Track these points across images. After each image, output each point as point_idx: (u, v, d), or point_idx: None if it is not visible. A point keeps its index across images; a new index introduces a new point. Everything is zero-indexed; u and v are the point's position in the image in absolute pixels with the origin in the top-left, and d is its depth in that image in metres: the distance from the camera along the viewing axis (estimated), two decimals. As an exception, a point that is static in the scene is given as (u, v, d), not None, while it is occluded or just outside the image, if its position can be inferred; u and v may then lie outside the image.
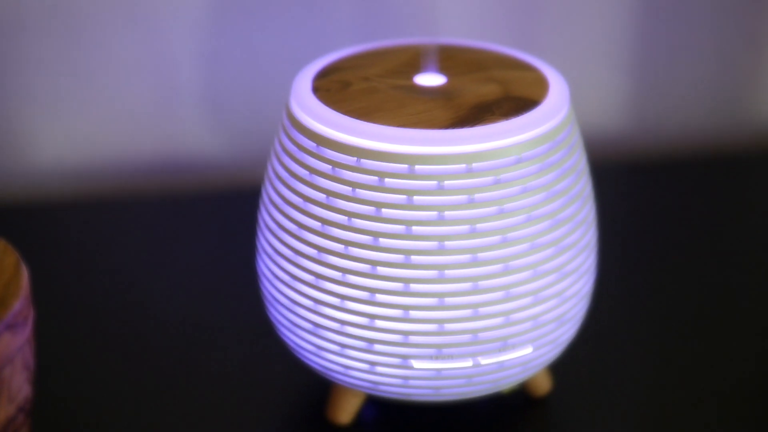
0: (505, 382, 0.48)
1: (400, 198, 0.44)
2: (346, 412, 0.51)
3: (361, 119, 0.44)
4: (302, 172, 0.46)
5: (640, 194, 0.75)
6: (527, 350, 0.47)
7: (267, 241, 0.49)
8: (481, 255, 0.44)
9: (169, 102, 0.75)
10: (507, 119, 0.44)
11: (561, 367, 0.53)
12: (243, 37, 0.73)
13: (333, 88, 0.47)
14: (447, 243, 0.44)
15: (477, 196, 0.44)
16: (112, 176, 0.76)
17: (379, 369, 0.47)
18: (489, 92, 0.46)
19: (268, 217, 0.49)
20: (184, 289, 0.63)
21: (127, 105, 0.74)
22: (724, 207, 0.73)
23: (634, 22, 0.77)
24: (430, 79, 0.48)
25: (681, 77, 0.80)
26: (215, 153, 0.77)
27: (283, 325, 0.49)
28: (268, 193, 0.49)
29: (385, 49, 0.51)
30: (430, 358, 0.46)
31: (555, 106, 0.46)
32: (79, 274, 0.65)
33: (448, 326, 0.45)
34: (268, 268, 0.49)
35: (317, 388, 0.53)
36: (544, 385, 0.53)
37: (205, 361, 0.57)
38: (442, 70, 0.48)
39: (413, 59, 0.49)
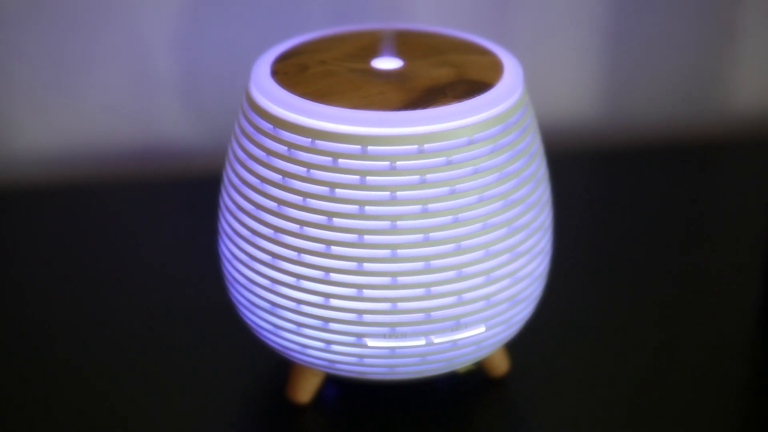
0: (460, 361, 0.49)
1: (354, 178, 0.44)
2: (305, 391, 0.52)
3: (316, 101, 0.45)
4: (259, 154, 0.47)
5: (612, 181, 0.76)
6: (480, 329, 0.48)
7: (227, 222, 0.50)
8: (433, 235, 0.45)
9: (145, 89, 0.75)
10: (459, 101, 0.45)
11: (519, 348, 0.54)
12: (219, 24, 0.74)
13: (291, 71, 0.48)
14: (399, 223, 0.45)
15: (429, 176, 0.44)
16: (89, 162, 0.76)
17: (335, 347, 0.47)
18: (443, 75, 0.47)
19: (227, 198, 0.49)
20: (156, 272, 0.64)
21: (103, 92, 0.75)
22: (694, 195, 0.73)
23: (608, 10, 0.78)
24: (386, 63, 0.48)
25: (655, 66, 0.81)
26: (191, 139, 0.77)
27: (243, 305, 0.50)
28: (228, 174, 0.49)
29: (344, 34, 0.52)
30: (384, 336, 0.47)
31: (508, 89, 0.47)
32: (53, 258, 0.66)
33: (401, 305, 0.46)
34: (228, 248, 0.50)
35: (278, 369, 0.54)
36: (501, 366, 0.54)
37: (170, 342, 0.57)
38: (399, 54, 0.49)
39: (371, 44, 0.50)
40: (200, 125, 0.77)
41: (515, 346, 0.54)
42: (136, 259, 0.66)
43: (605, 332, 0.58)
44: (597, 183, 0.77)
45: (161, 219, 0.71)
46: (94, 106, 0.75)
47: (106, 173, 0.77)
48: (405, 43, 0.50)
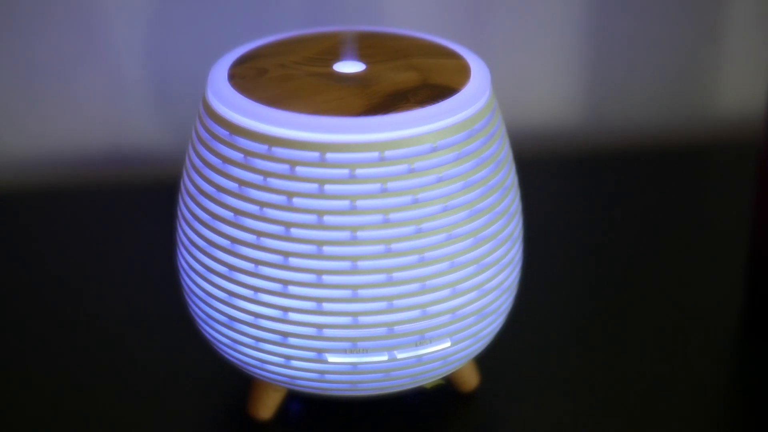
0: (425, 376, 0.47)
1: (311, 187, 0.43)
2: (266, 407, 0.50)
3: (273, 107, 0.43)
4: (215, 161, 0.45)
5: (590, 188, 0.74)
6: (446, 344, 0.46)
7: (183, 232, 0.48)
8: (395, 246, 0.43)
9: (114, 92, 0.74)
10: (422, 107, 0.43)
11: (489, 362, 0.52)
12: (188, 25, 0.72)
13: (248, 75, 0.46)
14: (360, 233, 0.43)
15: (390, 185, 0.43)
16: (57, 167, 0.75)
17: (295, 363, 0.46)
18: (406, 80, 0.45)
19: (184, 207, 0.48)
20: (120, 281, 0.62)
21: (71, 96, 0.73)
22: (676, 201, 0.71)
23: (587, 11, 0.76)
24: (348, 67, 0.47)
25: (636, 68, 0.79)
26: (162, 144, 0.75)
27: (200, 318, 0.48)
28: (185, 183, 0.47)
29: (307, 36, 0.50)
30: (345, 351, 0.45)
31: (474, 94, 0.45)
32: (14, 264, 0.64)
33: (363, 319, 0.44)
34: (185, 260, 0.48)
35: (239, 384, 0.52)
36: (471, 381, 0.52)
37: (129, 354, 0.56)
38: (362, 57, 0.47)
39: (334, 47, 0.48)
40: (170, 130, 0.75)
41: (485, 360, 0.52)
42: (100, 267, 0.64)
43: (578, 345, 0.56)
44: (574, 190, 0.75)
45: (129, 226, 0.69)
46: (61, 110, 0.74)
47: (74, 178, 0.75)
48: (369, 45, 0.48)
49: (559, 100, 0.79)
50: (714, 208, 0.71)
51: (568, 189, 0.75)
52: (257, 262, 0.44)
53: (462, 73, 0.46)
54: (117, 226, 0.69)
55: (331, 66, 0.47)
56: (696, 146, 0.80)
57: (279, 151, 0.43)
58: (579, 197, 0.74)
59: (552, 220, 0.68)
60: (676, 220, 0.69)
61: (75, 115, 0.74)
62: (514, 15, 0.76)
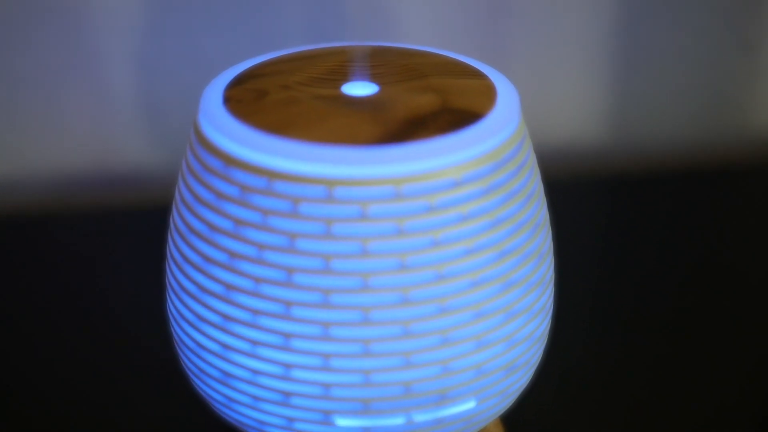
0: (446, 439, 0.42)
1: (317, 227, 0.38)
2: (266, 470, 0.45)
3: (273, 135, 0.38)
4: (208, 197, 0.40)
5: (622, 219, 0.69)
6: (470, 404, 0.41)
7: (173, 275, 0.43)
8: (413, 294, 0.38)
9: (103, 109, 0.70)
10: (443, 135, 0.38)
11: (516, 419, 0.47)
12: (184, 38, 0.68)
13: (246, 98, 0.41)
14: (372, 280, 0.38)
15: (407, 224, 0.38)
16: (38, 189, 0.71)
17: (298, 425, 0.41)
18: (425, 103, 0.40)
19: (173, 248, 0.42)
20: (105, 322, 0.57)
21: (56, 113, 0.70)
22: (713, 227, 0.66)
23: (616, 24, 0.72)
24: (359, 89, 0.42)
25: (667, 84, 0.75)
26: (154, 165, 0.71)
27: (193, 373, 0.43)
28: (174, 221, 0.42)
29: (312, 53, 0.45)
30: (356, 413, 0.40)
31: (501, 120, 0.40)
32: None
33: (376, 377, 0.39)
34: (175, 306, 0.43)
35: (237, 442, 0.47)
36: (496, 439, 0.47)
37: (115, 404, 0.51)
38: (374, 77, 0.42)
39: (342, 65, 0.43)
40: (162, 150, 0.71)
41: (512, 416, 0.47)
42: (82, 306, 0.59)
43: (614, 400, 0.51)
44: (604, 217, 0.69)
45: (117, 257, 0.64)
46: (45, 128, 0.69)
47: (57, 202, 0.71)
48: (381, 64, 0.43)
49: (585, 118, 0.75)
50: (754, 232, 0.66)
51: (597, 216, 0.69)
52: (255, 311, 0.39)
53: (487, 95, 0.41)
54: (102, 257, 0.64)
55: (339, 88, 0.42)
56: (731, 165, 0.75)
57: (280, 186, 0.38)
58: (608, 226, 0.68)
59: (580, 252, 0.63)
60: (714, 252, 0.64)
61: (59, 134, 0.70)
62: (536, 28, 0.71)
